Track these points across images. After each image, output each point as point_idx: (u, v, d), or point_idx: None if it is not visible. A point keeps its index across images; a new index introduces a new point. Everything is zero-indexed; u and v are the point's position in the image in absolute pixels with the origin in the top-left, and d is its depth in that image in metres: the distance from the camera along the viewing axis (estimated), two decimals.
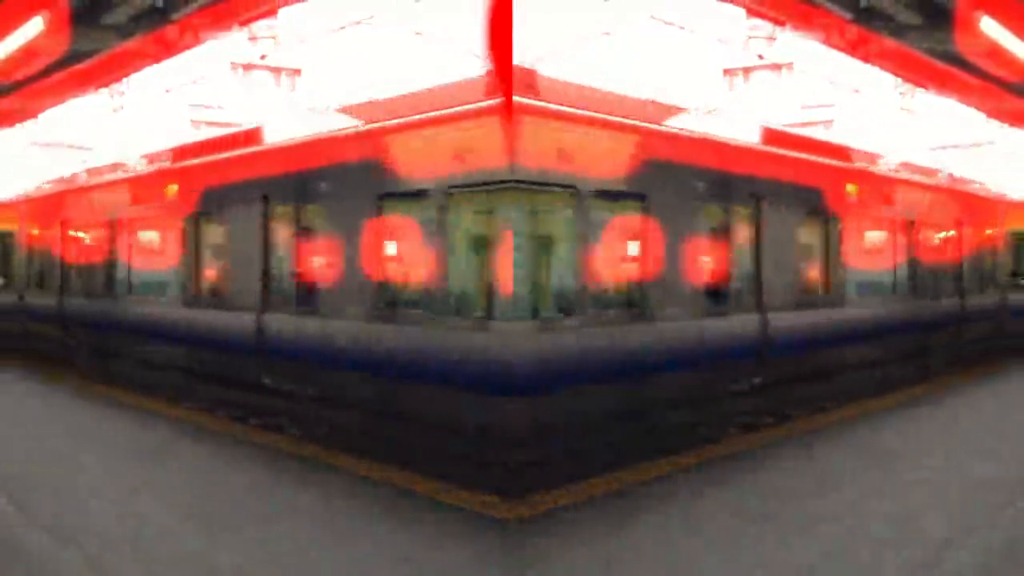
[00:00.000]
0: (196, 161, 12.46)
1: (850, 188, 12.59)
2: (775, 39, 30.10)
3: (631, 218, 8.97)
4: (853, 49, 14.04)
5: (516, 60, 7.96)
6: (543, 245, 8.23)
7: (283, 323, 10.36)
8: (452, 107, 8.47)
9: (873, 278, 13.07)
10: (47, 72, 13.95)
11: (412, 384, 8.65)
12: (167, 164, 13.24)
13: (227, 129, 15.41)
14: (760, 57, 30.43)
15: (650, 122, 9.49)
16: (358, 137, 9.53)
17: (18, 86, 14.62)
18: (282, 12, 22.77)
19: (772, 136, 11.63)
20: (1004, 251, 17.57)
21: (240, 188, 11.27)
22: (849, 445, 9.79)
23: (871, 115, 29.61)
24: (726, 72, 32.22)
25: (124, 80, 22.27)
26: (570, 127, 8.40)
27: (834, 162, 12.58)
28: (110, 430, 10.72)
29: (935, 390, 13.94)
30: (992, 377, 15.60)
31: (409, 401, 8.78)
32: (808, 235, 11.79)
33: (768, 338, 10.66)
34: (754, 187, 10.71)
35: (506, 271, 7.71)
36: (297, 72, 32.10)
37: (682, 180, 9.61)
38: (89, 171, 16.52)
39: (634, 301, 8.97)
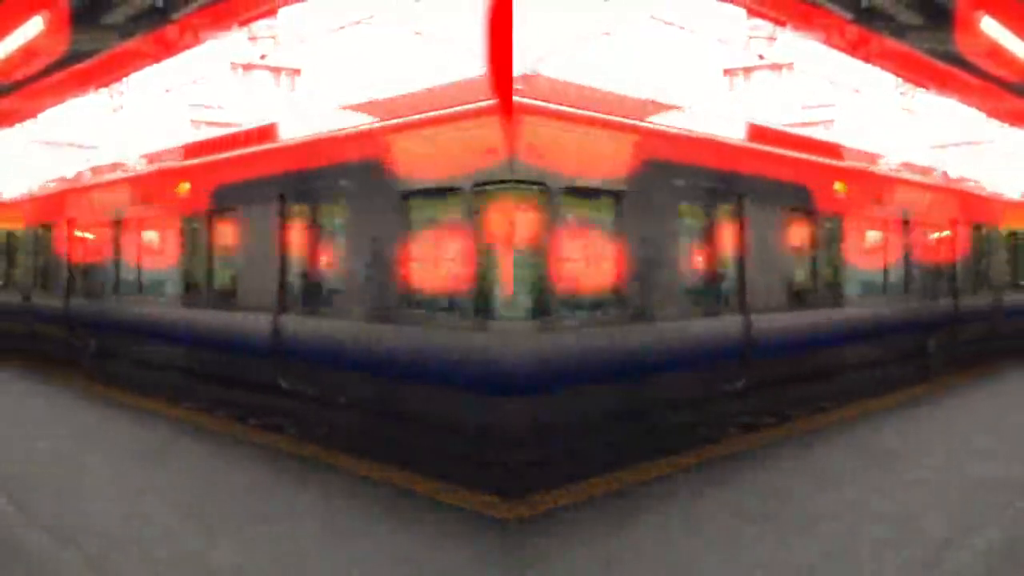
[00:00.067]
0: (210, 158, 12.17)
1: (839, 186, 12.39)
2: (775, 39, 30.14)
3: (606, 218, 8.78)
4: (854, 49, 14.06)
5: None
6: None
7: (301, 324, 10.10)
8: (467, 104, 8.39)
9: (865, 277, 12.95)
10: (47, 72, 13.96)
11: (445, 389, 8.35)
12: (177, 162, 12.99)
13: (232, 128, 15.21)
14: (760, 57, 30.46)
15: (639, 121, 9.40)
16: (383, 132, 9.29)
17: (18, 86, 14.64)
18: (282, 12, 22.83)
19: (758, 133, 11.37)
20: (1000, 251, 17.41)
21: (255, 185, 11.05)
22: (849, 445, 9.78)
23: (871, 115, 29.65)
24: (726, 72, 32.25)
25: (124, 80, 22.30)
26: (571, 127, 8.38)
27: (823, 159, 12.34)
28: (112, 430, 10.73)
29: (935, 390, 13.94)
30: (989, 378, 15.59)
31: (445, 406, 8.44)
32: (796, 234, 11.57)
33: (751, 339, 10.48)
34: (738, 184, 10.48)
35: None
36: (297, 72, 32.14)
37: (664, 178, 9.45)
38: (94, 169, 16.44)
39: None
